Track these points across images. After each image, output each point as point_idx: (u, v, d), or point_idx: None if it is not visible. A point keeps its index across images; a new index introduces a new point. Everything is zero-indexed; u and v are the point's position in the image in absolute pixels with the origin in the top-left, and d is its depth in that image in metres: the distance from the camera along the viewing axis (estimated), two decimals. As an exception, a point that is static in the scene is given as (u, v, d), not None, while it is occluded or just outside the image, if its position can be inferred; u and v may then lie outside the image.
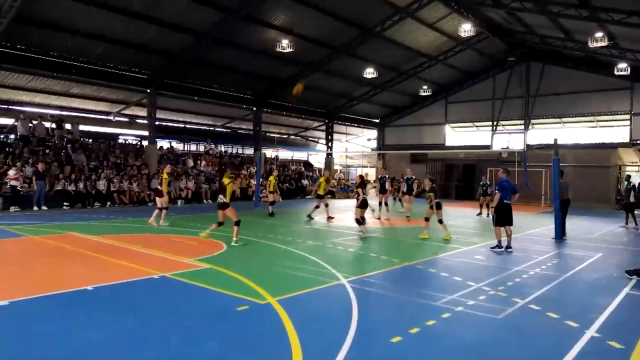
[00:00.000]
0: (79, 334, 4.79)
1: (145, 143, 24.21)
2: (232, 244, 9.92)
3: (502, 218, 10.36)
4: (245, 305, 5.75)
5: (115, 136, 25.41)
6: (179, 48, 19.87)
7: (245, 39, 20.40)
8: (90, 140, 23.21)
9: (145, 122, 23.04)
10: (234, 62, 22.24)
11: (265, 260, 8.84)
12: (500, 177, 10.76)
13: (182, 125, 29.30)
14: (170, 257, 8.67)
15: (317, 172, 31.61)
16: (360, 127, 36.13)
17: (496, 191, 10.67)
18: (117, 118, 25.56)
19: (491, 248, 10.44)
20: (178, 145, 28.25)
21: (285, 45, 20.03)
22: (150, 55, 20.00)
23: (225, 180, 10.37)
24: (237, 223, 10.10)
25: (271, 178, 17.62)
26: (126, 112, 25.57)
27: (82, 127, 23.09)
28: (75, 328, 4.96)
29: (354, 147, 37.89)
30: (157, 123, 23.64)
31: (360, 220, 11.96)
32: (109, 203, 18.57)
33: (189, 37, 19.30)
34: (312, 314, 5.60)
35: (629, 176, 17.77)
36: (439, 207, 11.69)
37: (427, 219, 11.98)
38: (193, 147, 29.45)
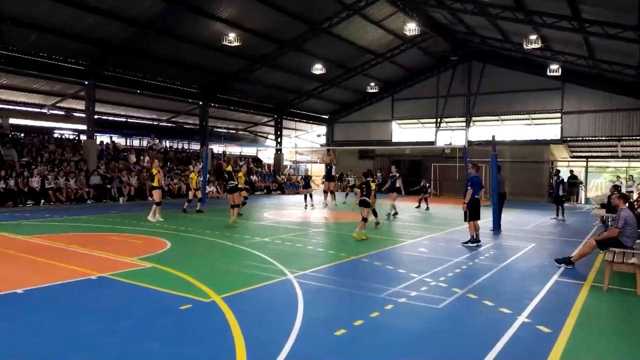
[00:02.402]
0: (8, 339, 4.49)
1: (83, 137, 23.00)
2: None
3: (474, 213, 10.34)
4: (188, 304, 5.62)
5: (50, 130, 23.97)
6: (120, 38, 18.99)
7: (191, 31, 19.83)
8: (22, 135, 21.78)
9: (84, 115, 21.90)
10: (179, 54, 21.58)
11: (211, 258, 8.69)
12: (471, 173, 10.67)
13: (123, 120, 28.10)
14: (110, 257, 8.32)
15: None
16: (309, 123, 36.20)
17: (468, 187, 10.48)
18: (52, 111, 24.12)
19: (463, 243, 10.40)
20: (120, 140, 27.07)
21: (232, 38, 19.64)
22: (89, 45, 18.96)
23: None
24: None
25: (192, 175, 16.71)
26: (62, 104, 24.20)
27: (12, 121, 21.65)
28: (3, 332, 4.66)
29: (304, 143, 37.92)
30: (96, 117, 22.56)
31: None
32: (43, 201, 17.49)
33: (131, 28, 18.48)
34: (257, 310, 5.56)
35: (558, 171, 19.05)
36: (362, 204, 11.07)
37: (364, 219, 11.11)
38: (136, 142, 28.33)
